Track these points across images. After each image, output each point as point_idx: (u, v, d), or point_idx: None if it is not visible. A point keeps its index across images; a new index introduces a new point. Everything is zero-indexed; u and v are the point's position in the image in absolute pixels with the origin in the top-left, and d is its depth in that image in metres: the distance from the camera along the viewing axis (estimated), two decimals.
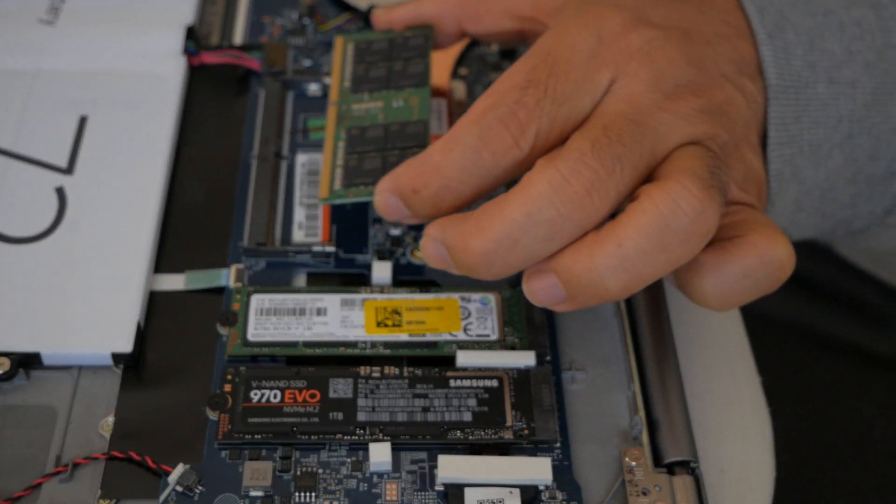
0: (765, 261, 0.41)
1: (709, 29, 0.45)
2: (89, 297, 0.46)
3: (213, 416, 0.43)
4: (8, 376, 0.44)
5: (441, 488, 0.42)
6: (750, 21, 0.45)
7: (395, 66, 0.51)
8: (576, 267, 0.40)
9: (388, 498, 0.42)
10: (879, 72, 0.46)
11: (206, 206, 0.51)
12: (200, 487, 0.42)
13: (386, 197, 0.44)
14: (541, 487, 0.42)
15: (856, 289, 0.70)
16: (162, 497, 0.41)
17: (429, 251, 0.42)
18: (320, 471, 0.42)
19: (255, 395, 0.44)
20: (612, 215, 0.41)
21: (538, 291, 0.41)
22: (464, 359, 0.45)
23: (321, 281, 0.48)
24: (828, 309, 0.71)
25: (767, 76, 0.44)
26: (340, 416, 0.43)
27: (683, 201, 0.39)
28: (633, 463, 0.43)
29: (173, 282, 0.48)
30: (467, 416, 0.43)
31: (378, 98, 0.50)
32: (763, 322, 0.49)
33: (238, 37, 0.58)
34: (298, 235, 0.49)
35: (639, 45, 0.43)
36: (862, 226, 0.49)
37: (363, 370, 0.44)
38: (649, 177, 0.41)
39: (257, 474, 0.42)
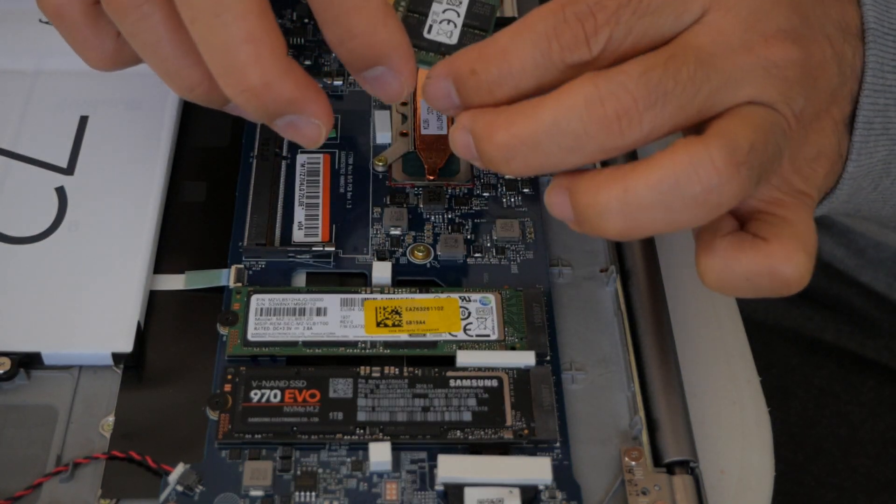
0: (774, 273, 0.39)
1: None
2: (89, 297, 0.46)
3: (213, 416, 0.43)
4: (8, 376, 0.44)
5: (441, 488, 0.42)
6: None
7: None
8: (583, 197, 0.39)
9: (388, 498, 0.42)
10: None
11: (206, 206, 0.51)
12: (200, 487, 0.42)
13: (439, 82, 0.42)
14: (541, 487, 0.42)
15: (842, 293, 0.70)
16: (162, 497, 0.42)
17: (457, 137, 0.41)
18: (320, 470, 0.42)
19: (255, 395, 0.44)
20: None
21: (553, 205, 0.41)
22: (464, 359, 0.45)
23: (321, 281, 0.48)
24: (814, 313, 0.71)
25: (867, 20, 0.42)
26: (340, 415, 0.43)
27: (702, 170, 0.37)
28: (633, 463, 0.43)
29: (173, 282, 0.48)
30: (467, 416, 0.43)
31: None
32: (750, 325, 0.49)
33: None
34: (298, 235, 0.49)
35: None
36: None
37: (363, 370, 0.44)
38: (702, 124, 0.39)
39: (257, 474, 0.42)
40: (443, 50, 0.44)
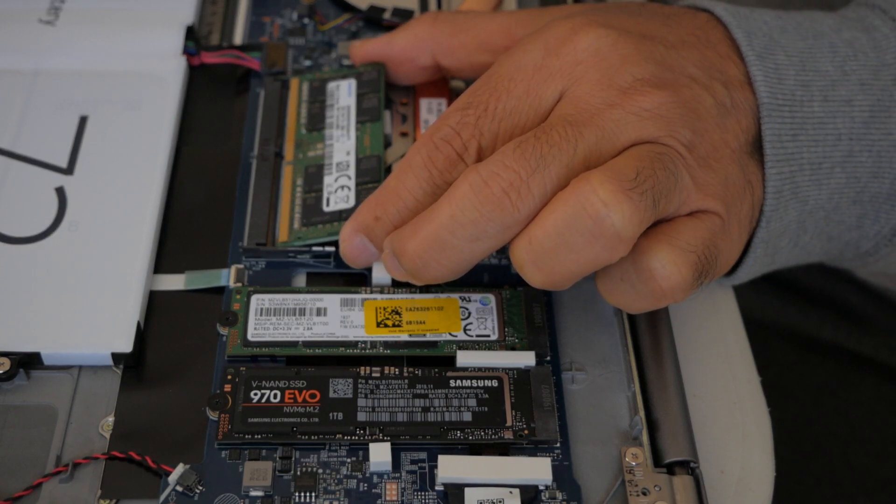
0: (638, 266, 0.40)
1: (673, 37, 0.44)
2: (89, 297, 0.46)
3: (213, 416, 0.43)
4: (8, 376, 0.44)
5: (441, 488, 0.42)
6: (738, 44, 0.45)
7: None
8: (512, 256, 0.41)
9: (388, 498, 0.42)
10: (875, 89, 0.45)
11: (206, 206, 0.51)
12: (200, 487, 0.42)
13: (351, 240, 0.45)
14: (541, 487, 0.42)
15: (838, 290, 0.70)
16: (162, 497, 0.42)
17: (386, 262, 0.44)
18: (320, 471, 0.42)
19: (255, 396, 0.44)
20: None
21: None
22: (464, 359, 0.45)
23: (321, 281, 0.48)
24: (811, 311, 0.71)
25: (759, 95, 0.44)
26: (340, 416, 0.43)
27: (588, 204, 0.39)
28: (633, 463, 0.43)
29: (173, 282, 0.48)
30: (467, 417, 0.43)
31: None
32: (746, 324, 0.49)
33: (238, 37, 0.58)
34: None
35: (586, 44, 0.42)
36: (870, 247, 0.48)
37: (363, 370, 0.44)
38: None
39: (257, 474, 0.42)
40: (344, 216, 0.48)
